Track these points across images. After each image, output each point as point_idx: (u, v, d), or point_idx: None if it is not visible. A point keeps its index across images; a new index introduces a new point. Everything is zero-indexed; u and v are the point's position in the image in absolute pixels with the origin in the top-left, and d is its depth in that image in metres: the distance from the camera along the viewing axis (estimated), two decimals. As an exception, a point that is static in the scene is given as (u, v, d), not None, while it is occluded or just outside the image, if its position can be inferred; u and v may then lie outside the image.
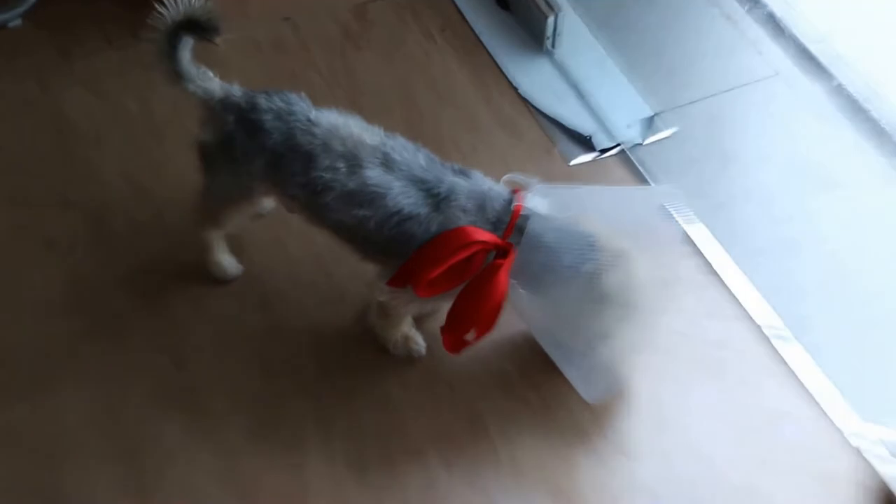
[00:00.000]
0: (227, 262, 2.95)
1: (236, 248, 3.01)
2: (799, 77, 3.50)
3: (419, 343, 2.82)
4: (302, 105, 2.63)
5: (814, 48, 3.56)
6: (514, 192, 2.57)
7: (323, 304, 2.93)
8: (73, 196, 3.14)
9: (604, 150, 3.32)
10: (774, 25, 3.65)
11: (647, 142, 3.34)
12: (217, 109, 2.65)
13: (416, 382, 2.78)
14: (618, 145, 3.34)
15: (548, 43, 3.58)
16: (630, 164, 3.28)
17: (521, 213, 2.53)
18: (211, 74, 2.68)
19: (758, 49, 3.58)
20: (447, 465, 2.64)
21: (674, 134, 3.34)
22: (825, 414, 2.74)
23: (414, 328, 2.82)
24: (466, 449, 2.66)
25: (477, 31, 3.64)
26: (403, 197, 2.52)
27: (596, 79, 3.51)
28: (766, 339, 2.85)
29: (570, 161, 3.28)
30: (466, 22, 3.67)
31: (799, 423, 2.72)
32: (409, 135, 2.68)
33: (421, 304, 2.69)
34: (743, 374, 2.78)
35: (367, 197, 2.54)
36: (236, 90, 2.67)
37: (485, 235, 2.48)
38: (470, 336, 2.58)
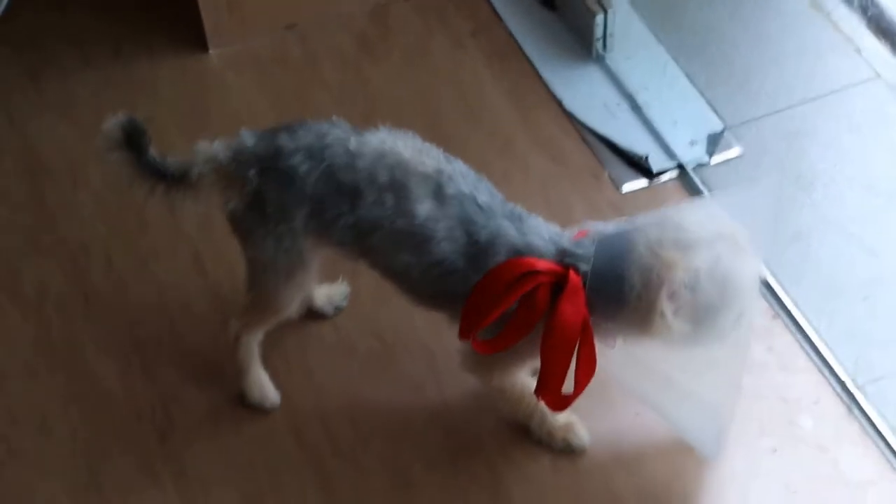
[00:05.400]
0: (268, 384, 2.71)
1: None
2: (906, 80, 3.33)
3: (580, 435, 2.60)
4: (337, 132, 2.39)
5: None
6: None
7: (327, 351, 2.79)
8: (44, 242, 3.03)
9: (661, 173, 3.09)
10: (876, 17, 3.42)
11: (714, 161, 3.10)
12: (232, 170, 2.42)
13: (431, 441, 2.66)
14: (678, 166, 3.09)
15: (597, 45, 3.31)
16: (695, 189, 3.06)
17: (585, 237, 2.33)
18: (197, 146, 2.47)
19: (855, 46, 3.36)
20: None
21: (747, 151, 3.11)
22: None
23: (570, 415, 2.61)
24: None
25: (515, 35, 3.40)
26: (448, 242, 2.32)
27: (655, 88, 3.25)
28: (848, 395, 2.69)
29: (621, 187, 3.06)
30: (503, 24, 3.44)
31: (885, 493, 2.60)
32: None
33: (514, 362, 2.48)
34: (819, 438, 2.64)
35: (414, 239, 2.34)
36: (246, 137, 2.43)
37: (540, 264, 2.27)
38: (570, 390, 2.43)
